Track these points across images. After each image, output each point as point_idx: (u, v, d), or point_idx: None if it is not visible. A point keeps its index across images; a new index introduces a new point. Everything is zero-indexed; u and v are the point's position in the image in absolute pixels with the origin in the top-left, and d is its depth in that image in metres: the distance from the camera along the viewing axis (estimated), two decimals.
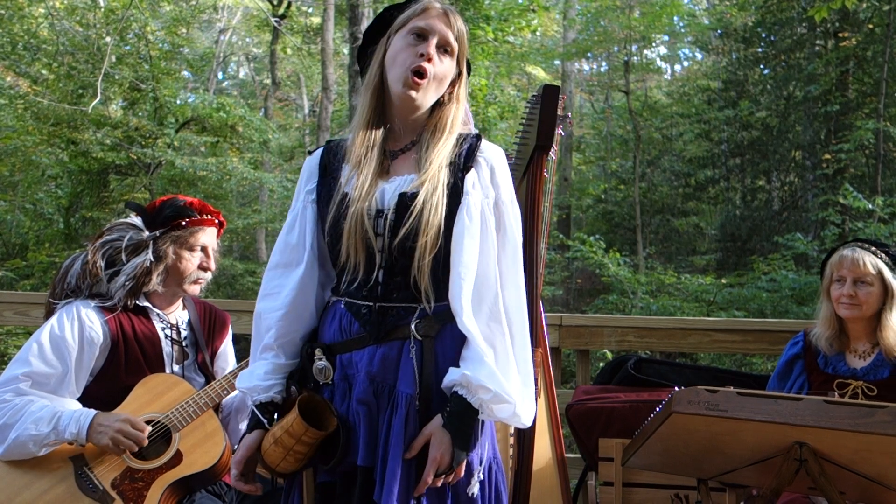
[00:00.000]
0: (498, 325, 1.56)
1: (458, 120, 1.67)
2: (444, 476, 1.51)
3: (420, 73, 1.57)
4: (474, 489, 1.57)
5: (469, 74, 1.73)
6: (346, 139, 1.69)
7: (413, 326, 1.56)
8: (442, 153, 1.60)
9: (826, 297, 2.44)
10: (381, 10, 1.70)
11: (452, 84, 1.67)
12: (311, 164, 1.71)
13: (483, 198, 1.61)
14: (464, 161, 1.62)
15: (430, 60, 1.58)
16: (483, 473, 1.60)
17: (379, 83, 1.64)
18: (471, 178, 1.61)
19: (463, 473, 1.54)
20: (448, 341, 1.58)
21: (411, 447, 1.51)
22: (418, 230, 1.53)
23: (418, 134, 1.66)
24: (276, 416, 1.61)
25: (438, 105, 1.66)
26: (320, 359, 1.60)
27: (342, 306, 1.62)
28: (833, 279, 2.42)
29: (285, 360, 1.65)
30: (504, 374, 1.53)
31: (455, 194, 1.59)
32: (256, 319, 1.68)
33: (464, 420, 1.52)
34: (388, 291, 1.58)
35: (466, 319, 1.53)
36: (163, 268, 2.20)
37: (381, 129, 1.64)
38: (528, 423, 1.59)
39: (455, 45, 1.62)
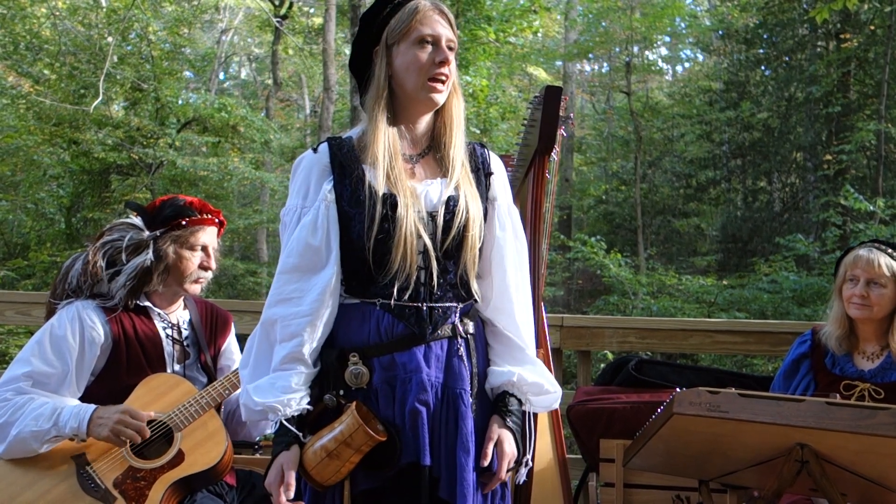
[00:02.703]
0: (528, 319, 1.70)
1: (463, 109, 1.72)
2: (511, 471, 1.60)
3: (441, 80, 1.63)
4: (523, 477, 1.69)
5: None
6: (350, 137, 1.69)
7: (460, 325, 1.63)
8: (459, 148, 1.68)
9: (838, 296, 2.42)
10: (371, 9, 1.69)
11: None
12: (320, 161, 1.65)
13: (506, 203, 1.73)
14: (485, 167, 1.73)
15: (448, 65, 1.63)
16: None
17: (388, 92, 1.65)
18: (495, 182, 1.73)
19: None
20: (479, 338, 1.69)
21: (484, 453, 1.57)
22: (467, 225, 1.61)
23: (430, 136, 1.71)
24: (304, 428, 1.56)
25: (447, 98, 1.70)
26: (355, 363, 1.56)
27: (378, 308, 1.59)
28: (846, 278, 2.39)
29: (312, 369, 1.58)
30: (542, 365, 1.69)
31: (487, 197, 1.70)
32: (268, 327, 1.59)
33: (520, 416, 1.64)
34: (434, 291, 1.61)
35: (518, 316, 1.67)
36: (163, 267, 2.20)
37: (397, 136, 1.65)
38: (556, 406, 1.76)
39: (456, 41, 1.67)
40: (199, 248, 2.25)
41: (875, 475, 1.72)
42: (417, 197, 1.61)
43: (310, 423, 1.56)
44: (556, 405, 1.73)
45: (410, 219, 1.56)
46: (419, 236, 1.57)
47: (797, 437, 1.67)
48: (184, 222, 2.22)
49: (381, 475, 1.55)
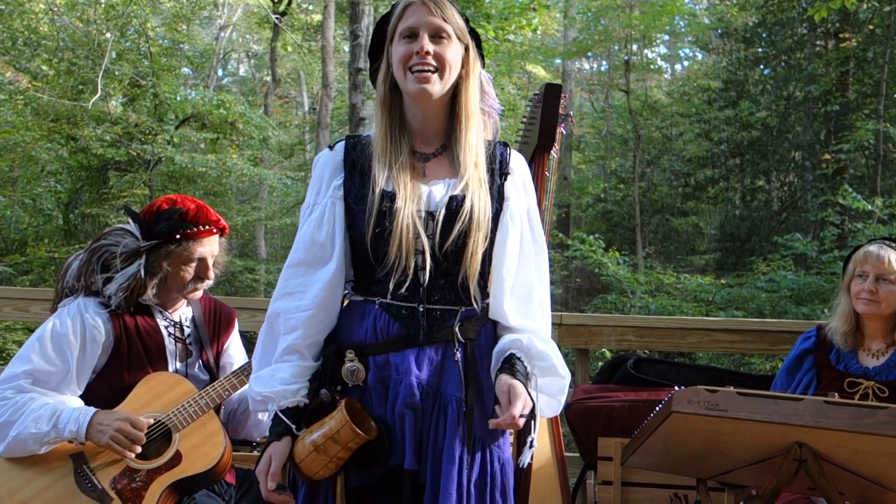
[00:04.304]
0: (540, 323, 1.65)
1: (475, 97, 1.66)
2: (525, 419, 1.49)
3: (421, 69, 1.58)
4: (527, 459, 1.61)
5: (479, 45, 1.70)
6: (368, 135, 1.69)
7: (457, 329, 1.59)
8: (471, 143, 1.62)
9: (846, 292, 2.43)
10: (378, 19, 1.70)
11: (464, 64, 1.66)
12: (334, 158, 1.66)
13: (520, 205, 1.67)
14: (502, 168, 1.67)
15: (427, 54, 1.58)
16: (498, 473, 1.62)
17: (390, 95, 1.64)
18: (510, 185, 1.67)
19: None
20: (484, 344, 1.63)
21: (512, 410, 1.46)
22: (469, 229, 1.57)
23: (447, 134, 1.66)
24: (301, 421, 1.58)
25: (457, 91, 1.65)
26: (352, 360, 1.57)
27: (377, 307, 1.60)
28: (855, 274, 2.40)
29: (310, 362, 1.60)
30: (556, 348, 1.63)
31: (498, 199, 1.64)
32: (273, 319, 1.62)
33: (525, 380, 1.54)
34: (432, 293, 1.59)
35: (514, 321, 1.61)
36: (157, 281, 2.17)
37: (406, 136, 1.64)
38: (557, 413, 1.68)
39: (448, 27, 1.61)
40: (196, 260, 2.20)
41: (873, 474, 1.73)
42: (419, 195, 1.59)
43: (308, 416, 1.58)
44: (563, 397, 1.65)
45: (407, 215, 1.55)
46: (416, 235, 1.55)
47: (795, 435, 1.67)
48: (178, 236, 2.16)
49: (371, 473, 1.57)
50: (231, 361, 2.38)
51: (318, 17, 14.97)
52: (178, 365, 2.24)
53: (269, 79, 17.27)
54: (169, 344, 2.23)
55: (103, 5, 11.39)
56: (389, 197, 1.57)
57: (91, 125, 10.92)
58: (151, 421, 2.08)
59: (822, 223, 10.12)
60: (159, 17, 12.23)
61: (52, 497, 2.01)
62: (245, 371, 2.24)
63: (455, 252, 1.58)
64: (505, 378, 1.53)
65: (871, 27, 11.39)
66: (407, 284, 1.57)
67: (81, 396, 2.13)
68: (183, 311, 2.31)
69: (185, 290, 2.23)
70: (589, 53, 17.90)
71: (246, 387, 2.23)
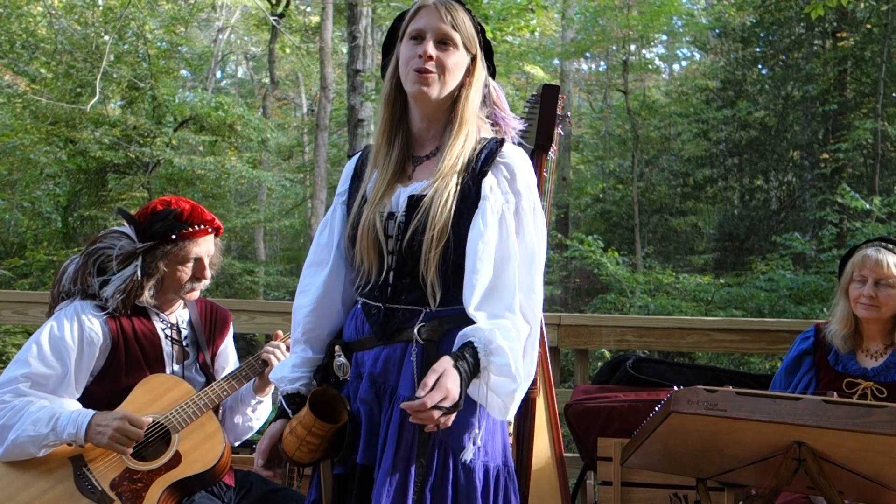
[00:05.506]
0: (513, 325, 1.53)
1: (472, 106, 1.66)
2: (444, 414, 1.41)
3: (422, 71, 1.60)
4: (469, 455, 1.53)
5: (489, 55, 1.71)
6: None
7: (416, 329, 1.58)
8: (456, 148, 1.61)
9: (843, 295, 2.41)
10: (397, 16, 1.72)
11: (469, 72, 1.66)
12: (348, 167, 1.79)
13: (503, 203, 1.59)
14: (481, 165, 1.62)
15: (429, 59, 1.59)
16: (491, 479, 1.59)
17: (394, 92, 1.68)
18: (488, 182, 1.60)
19: (450, 423, 1.45)
20: (448, 346, 1.56)
21: (424, 383, 1.39)
22: (426, 224, 1.56)
23: (441, 138, 1.66)
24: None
25: (457, 98, 1.65)
26: (339, 355, 1.67)
27: (359, 306, 1.69)
28: (853, 278, 2.38)
29: (313, 354, 1.72)
30: (527, 353, 1.56)
31: (467, 196, 1.59)
32: (293, 314, 1.76)
33: (471, 371, 1.47)
34: (396, 293, 1.62)
35: (483, 324, 1.50)
36: (154, 282, 2.17)
37: (401, 136, 1.68)
38: (509, 418, 1.62)
39: (455, 34, 1.62)
40: (192, 260, 2.21)
41: (872, 473, 1.73)
42: (391, 197, 1.64)
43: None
44: (512, 403, 1.53)
45: (369, 218, 1.62)
46: (375, 236, 1.61)
47: (794, 435, 1.68)
48: (174, 236, 2.16)
49: (342, 462, 1.63)
50: (224, 366, 2.39)
51: (316, 19, 14.96)
52: (176, 367, 2.24)
53: (267, 81, 17.28)
54: (166, 346, 2.23)
55: (101, 8, 11.41)
56: (364, 200, 1.66)
57: (89, 128, 10.93)
58: (150, 420, 2.07)
59: (821, 222, 10.14)
60: (157, 19, 12.23)
61: (52, 500, 2.01)
62: (242, 372, 2.25)
63: (417, 250, 1.57)
64: (444, 362, 1.44)
65: (868, 26, 11.41)
66: (372, 284, 1.64)
67: (80, 399, 2.13)
68: (179, 314, 2.31)
69: (182, 290, 2.23)
70: (587, 54, 17.91)
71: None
